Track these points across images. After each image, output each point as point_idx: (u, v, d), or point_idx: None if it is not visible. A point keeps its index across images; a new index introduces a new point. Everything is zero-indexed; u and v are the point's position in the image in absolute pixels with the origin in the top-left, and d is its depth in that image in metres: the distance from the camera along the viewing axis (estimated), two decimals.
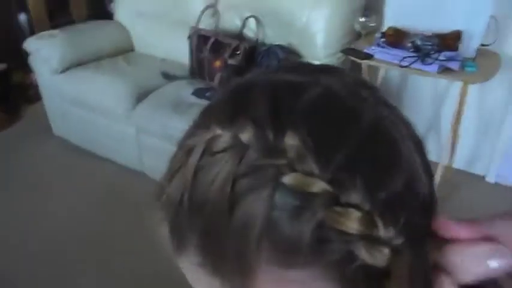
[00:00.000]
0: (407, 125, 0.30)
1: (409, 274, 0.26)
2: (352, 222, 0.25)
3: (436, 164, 1.96)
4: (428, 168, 0.30)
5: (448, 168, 2.13)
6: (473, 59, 1.83)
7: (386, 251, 0.25)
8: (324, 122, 0.27)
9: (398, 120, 0.30)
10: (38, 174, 2.28)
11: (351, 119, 0.28)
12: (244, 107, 0.28)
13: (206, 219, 0.28)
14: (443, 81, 2.16)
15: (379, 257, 0.25)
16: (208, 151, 0.28)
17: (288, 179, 0.25)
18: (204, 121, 0.30)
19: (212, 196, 0.27)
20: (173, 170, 0.31)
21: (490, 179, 2.27)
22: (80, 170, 2.31)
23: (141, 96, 2.09)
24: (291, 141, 0.26)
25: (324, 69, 0.32)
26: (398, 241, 0.25)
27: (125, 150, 2.21)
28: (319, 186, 0.25)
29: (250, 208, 0.26)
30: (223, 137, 0.27)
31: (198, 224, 0.28)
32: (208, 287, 0.31)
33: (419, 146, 0.30)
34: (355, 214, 0.25)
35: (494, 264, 0.25)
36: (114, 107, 2.11)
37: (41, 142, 2.52)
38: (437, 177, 1.96)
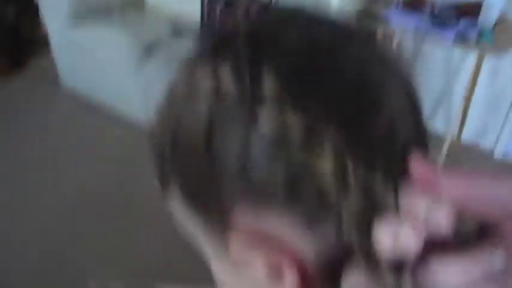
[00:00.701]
0: (401, 78, 0.29)
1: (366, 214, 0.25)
2: (326, 162, 0.24)
3: (444, 136, 1.94)
4: (420, 123, 0.29)
5: (457, 141, 2.10)
6: (491, 31, 1.78)
7: (357, 190, 0.24)
8: (305, 64, 0.26)
9: (389, 73, 0.29)
10: (44, 125, 2.29)
11: (333, 64, 0.27)
12: (225, 47, 0.28)
13: (184, 157, 0.28)
14: (457, 55, 2.11)
15: (350, 197, 0.25)
16: (190, 90, 0.28)
17: (264, 118, 0.25)
18: (189, 62, 0.31)
19: (190, 134, 0.27)
20: (160, 110, 0.31)
21: (498, 155, 2.25)
22: (86, 122, 2.31)
23: (150, 51, 2.07)
24: (269, 81, 0.25)
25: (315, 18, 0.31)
26: (371, 183, 0.25)
27: (131, 103, 2.20)
28: (295, 125, 0.25)
29: (225, 146, 0.26)
30: (203, 75, 0.27)
31: (178, 163, 0.29)
32: (194, 226, 0.32)
33: (412, 101, 0.29)
34: (329, 153, 0.24)
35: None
36: (123, 60, 2.09)
37: (49, 93, 2.52)
38: (444, 150, 1.94)
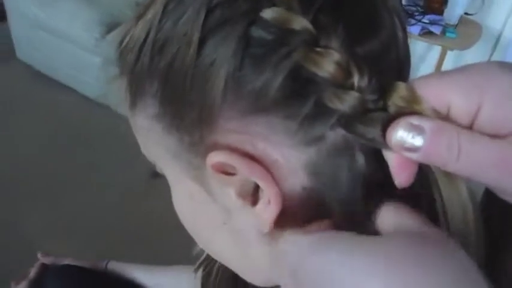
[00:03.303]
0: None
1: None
2: (329, 65, 0.23)
3: None
4: (407, 47, 0.29)
5: None
6: (455, 26, 1.82)
7: (356, 94, 0.23)
8: None
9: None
10: None
11: None
12: None
13: (170, 58, 0.25)
14: (420, 47, 2.15)
15: (348, 101, 0.23)
16: None
17: (267, 12, 0.23)
18: None
19: (180, 30, 0.24)
20: (141, 12, 0.28)
21: None
22: (40, 97, 2.20)
23: (111, 26, 1.98)
24: None
25: None
26: (370, 96, 0.23)
27: (89, 80, 2.12)
28: (300, 23, 0.23)
29: (220, 44, 0.23)
30: None
31: (161, 66, 0.26)
32: (161, 149, 0.29)
33: (403, 25, 0.29)
34: (334, 56, 0.23)
35: None
36: (82, 34, 2.00)
37: (2, 64, 2.39)
38: None
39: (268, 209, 0.26)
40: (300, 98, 0.24)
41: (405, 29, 0.29)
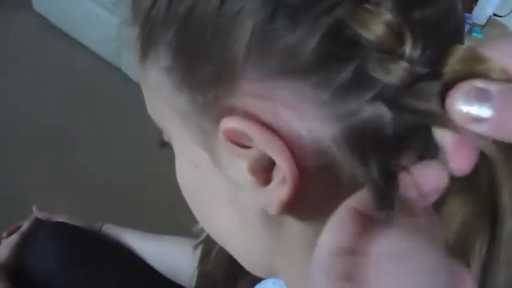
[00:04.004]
0: None
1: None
2: (379, 26, 0.19)
3: None
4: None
5: None
6: (482, 27, 1.77)
7: (405, 65, 0.19)
8: None
9: None
10: (8, 48, 2.15)
11: None
12: None
13: (189, 6, 0.22)
14: None
15: (396, 73, 0.20)
16: None
17: None
18: None
19: None
20: None
21: None
22: (52, 52, 2.18)
23: None
24: None
25: None
26: (422, 69, 0.20)
27: (104, 40, 2.09)
28: None
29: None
30: None
31: (179, 12, 0.23)
32: (169, 109, 0.26)
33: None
34: (386, 16, 0.19)
35: None
36: None
37: (18, 14, 2.36)
38: None
39: (281, 189, 0.23)
40: (338, 63, 0.20)
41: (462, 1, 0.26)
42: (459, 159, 0.20)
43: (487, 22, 1.78)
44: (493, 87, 0.18)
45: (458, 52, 0.19)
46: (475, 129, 0.18)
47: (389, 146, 0.22)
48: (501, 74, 0.18)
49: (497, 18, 1.83)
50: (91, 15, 2.10)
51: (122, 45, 2.02)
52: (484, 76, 0.18)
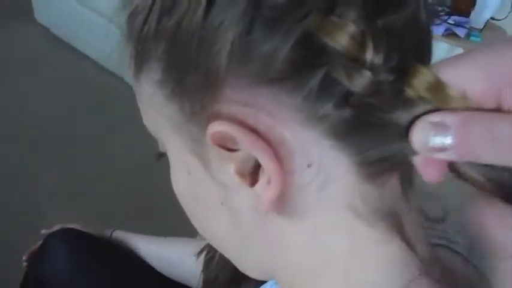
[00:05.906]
0: None
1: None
2: (343, 37, 0.21)
3: None
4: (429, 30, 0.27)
5: None
6: (480, 30, 1.78)
7: (368, 74, 0.21)
8: None
9: None
10: (10, 58, 2.16)
11: None
12: None
13: (178, 18, 0.24)
14: (442, 48, 2.11)
15: (359, 80, 0.21)
16: None
17: None
18: None
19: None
20: None
21: None
22: (56, 63, 2.20)
23: None
24: None
25: None
26: (385, 76, 0.21)
27: (106, 50, 2.10)
28: None
29: (230, 4, 0.22)
30: None
31: (168, 27, 0.24)
32: (162, 119, 0.28)
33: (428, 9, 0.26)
34: (350, 28, 0.21)
35: None
36: (103, 1, 1.99)
37: (19, 24, 2.38)
38: None
39: (268, 188, 0.25)
40: (309, 69, 0.22)
41: (429, 16, 0.26)
42: (429, 173, 0.22)
43: (485, 26, 1.79)
44: (450, 120, 0.19)
45: (423, 77, 0.21)
46: (441, 157, 0.20)
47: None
48: (460, 102, 0.19)
49: (495, 21, 1.84)
50: (93, 25, 2.11)
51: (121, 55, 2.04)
52: (445, 105, 0.20)
